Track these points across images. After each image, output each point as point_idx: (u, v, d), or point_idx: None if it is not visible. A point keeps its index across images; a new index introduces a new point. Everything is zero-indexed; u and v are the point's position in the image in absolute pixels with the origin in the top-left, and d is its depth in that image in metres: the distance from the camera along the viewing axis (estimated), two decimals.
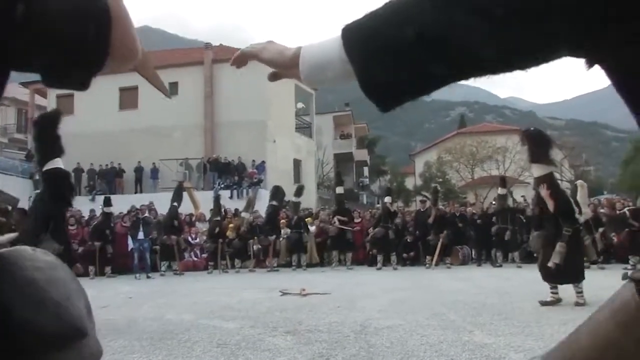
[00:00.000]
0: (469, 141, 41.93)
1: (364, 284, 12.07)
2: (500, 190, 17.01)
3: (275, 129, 30.21)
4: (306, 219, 18.27)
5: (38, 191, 8.71)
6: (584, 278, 7.94)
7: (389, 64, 0.83)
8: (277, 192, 17.95)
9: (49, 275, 0.86)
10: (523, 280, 11.47)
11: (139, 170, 28.63)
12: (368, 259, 17.70)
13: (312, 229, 17.96)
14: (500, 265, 16.31)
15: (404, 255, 17.38)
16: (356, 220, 18.53)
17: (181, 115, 29.68)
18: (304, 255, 17.31)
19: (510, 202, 18.24)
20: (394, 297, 9.34)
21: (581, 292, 7.87)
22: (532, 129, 8.62)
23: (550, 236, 8.16)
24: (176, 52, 37.11)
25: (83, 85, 0.86)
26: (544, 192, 8.08)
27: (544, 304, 7.92)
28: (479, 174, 40.83)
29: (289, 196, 19.17)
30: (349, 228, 17.30)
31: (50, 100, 32.78)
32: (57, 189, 7.57)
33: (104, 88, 31.22)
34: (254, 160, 27.41)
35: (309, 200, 29.04)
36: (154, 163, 28.40)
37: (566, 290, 8.00)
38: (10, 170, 28.18)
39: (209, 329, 6.53)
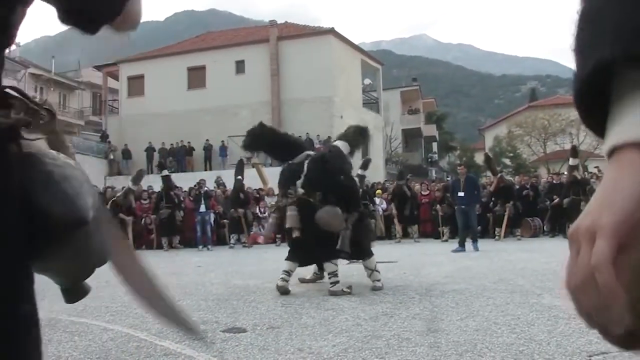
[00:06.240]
0: (541, 114, 40.28)
1: (431, 254, 11.98)
2: (572, 161, 16.37)
3: (342, 105, 30.10)
4: (377, 192, 18.25)
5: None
6: (336, 257, 6.72)
7: None
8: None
9: (65, 172, 0.98)
10: None
11: (208, 148, 29.14)
12: (436, 232, 17.52)
13: (381, 202, 17.90)
14: None
15: None
16: (424, 193, 18.35)
17: (248, 93, 29.98)
18: None
19: (580, 173, 17.51)
20: (460, 265, 9.22)
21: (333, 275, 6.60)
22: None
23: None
24: (242, 30, 37.39)
25: (92, 24, 0.94)
26: None
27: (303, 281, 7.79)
28: (551, 148, 39.44)
29: (356, 169, 19.11)
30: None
31: (122, 82, 33.73)
32: None
33: (173, 68, 31.95)
34: (318, 136, 27.41)
35: (378, 175, 28.89)
36: (222, 141, 28.80)
37: None
38: (86, 151, 29.28)
39: (274, 292, 6.60)
